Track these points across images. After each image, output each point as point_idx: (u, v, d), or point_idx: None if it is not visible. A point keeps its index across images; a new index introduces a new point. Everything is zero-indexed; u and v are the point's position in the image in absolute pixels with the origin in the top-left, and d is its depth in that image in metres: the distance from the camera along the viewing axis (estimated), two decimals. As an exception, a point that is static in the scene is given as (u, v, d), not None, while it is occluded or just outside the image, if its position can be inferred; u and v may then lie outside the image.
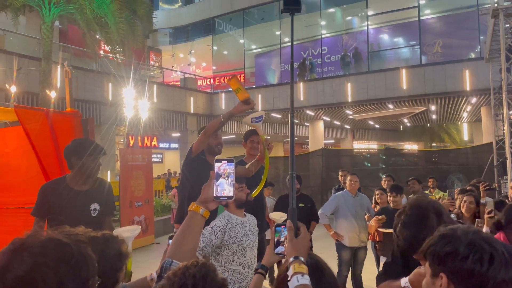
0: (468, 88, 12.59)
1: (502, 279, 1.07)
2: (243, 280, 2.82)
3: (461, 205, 3.82)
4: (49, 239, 1.00)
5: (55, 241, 1.00)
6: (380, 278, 1.94)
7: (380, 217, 4.56)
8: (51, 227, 2.59)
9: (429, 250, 1.18)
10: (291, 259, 1.28)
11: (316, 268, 1.30)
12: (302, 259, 1.27)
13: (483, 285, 1.07)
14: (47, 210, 2.74)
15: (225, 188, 1.49)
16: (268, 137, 3.65)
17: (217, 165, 1.51)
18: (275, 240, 1.52)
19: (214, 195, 1.49)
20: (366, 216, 5.14)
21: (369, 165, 14.25)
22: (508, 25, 7.84)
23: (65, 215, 2.65)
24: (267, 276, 1.82)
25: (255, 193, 3.22)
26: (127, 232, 2.57)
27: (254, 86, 18.83)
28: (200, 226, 1.51)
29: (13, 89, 5.48)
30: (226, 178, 1.50)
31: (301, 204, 5.30)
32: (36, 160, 3.53)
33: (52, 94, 6.33)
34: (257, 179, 3.28)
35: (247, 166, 3.56)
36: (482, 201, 4.26)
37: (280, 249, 1.53)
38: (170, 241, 1.72)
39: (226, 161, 1.51)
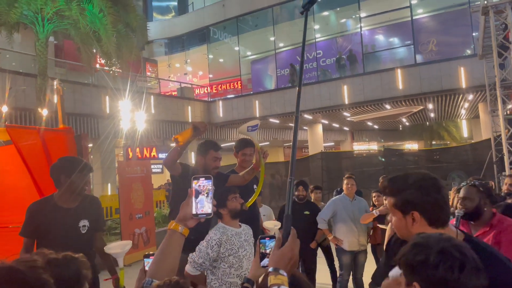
0: (464, 85, 12.61)
1: (473, 286, 1.08)
2: None
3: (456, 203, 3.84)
4: (1, 268, 1.00)
5: (7, 269, 1.00)
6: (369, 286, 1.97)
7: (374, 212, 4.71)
8: (41, 247, 2.60)
9: (402, 259, 1.17)
10: (269, 270, 1.26)
11: (293, 284, 1.29)
12: (281, 270, 1.24)
13: None
14: (35, 230, 2.74)
15: (204, 205, 1.49)
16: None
17: (195, 182, 1.51)
18: (260, 252, 1.50)
19: (193, 212, 1.49)
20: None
21: (368, 168, 14.22)
22: (498, 22, 7.87)
23: (54, 234, 2.66)
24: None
25: (250, 202, 3.22)
26: (117, 248, 2.57)
27: (251, 93, 18.87)
28: (180, 244, 1.50)
29: (4, 109, 5.50)
30: (206, 194, 1.50)
31: (306, 212, 5.25)
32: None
33: (44, 112, 6.35)
34: (250, 188, 3.28)
35: (241, 173, 3.55)
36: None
37: (266, 261, 1.50)
38: (146, 259, 1.71)
39: (204, 178, 1.51)
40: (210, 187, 1.51)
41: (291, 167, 1.45)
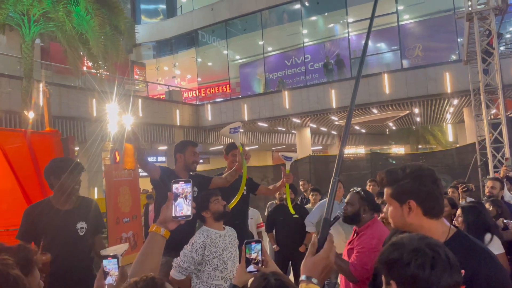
0: (449, 90, 12.82)
1: (446, 283, 1.10)
2: None
3: None
4: None
5: None
6: None
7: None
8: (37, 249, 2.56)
9: (380, 259, 1.20)
10: (301, 278, 1.23)
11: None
12: (313, 279, 1.21)
13: None
14: (33, 234, 2.69)
15: (183, 207, 1.52)
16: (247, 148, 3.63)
17: (174, 186, 1.54)
18: (246, 257, 1.48)
19: (173, 215, 1.52)
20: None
21: (355, 172, 14.33)
22: (483, 28, 8.03)
23: (52, 236, 2.62)
24: None
25: (232, 204, 3.22)
26: (111, 252, 2.55)
27: (240, 96, 18.89)
28: (161, 247, 1.52)
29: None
30: (184, 197, 1.53)
31: (295, 216, 5.28)
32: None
33: (30, 115, 6.28)
34: (236, 189, 3.28)
35: (224, 175, 3.57)
36: (462, 202, 4.32)
37: (251, 267, 1.48)
38: (104, 260, 1.71)
39: (183, 182, 1.55)
40: (189, 190, 1.54)
41: (337, 165, 1.41)
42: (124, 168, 2.95)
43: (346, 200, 2.95)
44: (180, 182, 1.54)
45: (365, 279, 2.55)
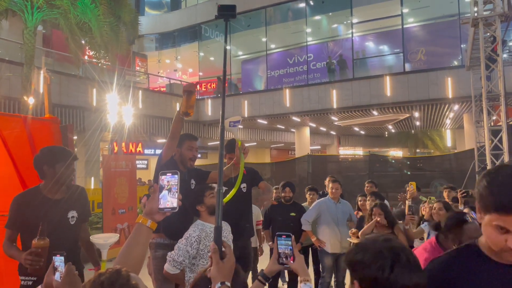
0: (450, 95, 12.81)
1: (404, 285, 1.16)
2: None
3: (432, 212, 3.93)
4: None
5: None
6: None
7: (354, 230, 4.69)
8: (28, 239, 2.54)
9: (345, 258, 1.29)
10: (217, 285, 1.28)
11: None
12: (228, 284, 1.28)
13: None
14: (22, 222, 2.65)
15: (168, 200, 1.52)
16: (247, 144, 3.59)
17: (161, 177, 1.55)
18: (280, 252, 1.54)
19: (159, 207, 1.52)
20: (349, 223, 5.18)
21: (353, 173, 14.34)
22: (488, 34, 8.01)
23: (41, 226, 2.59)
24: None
25: (227, 198, 3.21)
26: (100, 239, 2.54)
27: (240, 92, 18.85)
28: (147, 238, 1.53)
29: (-11, 95, 5.40)
30: (169, 190, 1.52)
31: (292, 214, 5.27)
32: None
33: (30, 100, 6.24)
34: (233, 185, 3.25)
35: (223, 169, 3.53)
36: (461, 207, 4.31)
37: (282, 260, 1.55)
38: (54, 257, 1.74)
39: (170, 174, 1.55)
40: (175, 183, 1.53)
41: (220, 176, 1.51)
42: (181, 112, 2.82)
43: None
44: (167, 174, 1.55)
45: None
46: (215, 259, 1.33)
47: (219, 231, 1.37)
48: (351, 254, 1.27)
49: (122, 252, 1.48)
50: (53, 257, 1.72)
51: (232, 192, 3.02)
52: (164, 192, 1.53)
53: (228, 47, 19.87)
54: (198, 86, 21.66)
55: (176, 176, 1.54)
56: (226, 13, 1.67)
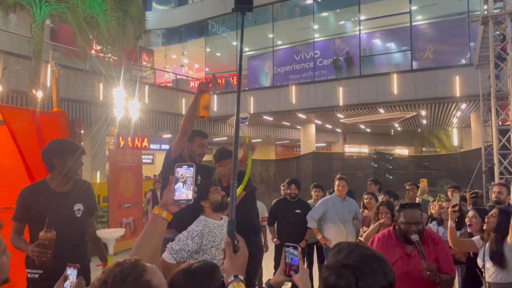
0: (458, 94, 12.71)
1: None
2: None
3: (441, 211, 3.93)
4: None
5: None
6: None
7: (365, 229, 4.68)
8: (35, 231, 2.56)
9: (320, 278, 1.32)
10: (230, 278, 1.29)
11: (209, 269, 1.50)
12: (241, 277, 1.29)
13: None
14: (29, 215, 2.68)
15: (182, 191, 1.53)
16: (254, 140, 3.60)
17: (177, 169, 1.55)
18: (286, 262, 1.52)
19: (175, 199, 1.53)
20: (355, 221, 5.17)
21: (358, 171, 14.30)
22: (498, 32, 7.93)
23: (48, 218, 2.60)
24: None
25: (237, 192, 3.20)
26: (106, 234, 2.55)
27: (246, 89, 18.83)
28: (162, 229, 1.54)
29: (-1, 88, 5.44)
30: (184, 182, 1.53)
31: (297, 211, 5.28)
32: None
33: (39, 94, 6.26)
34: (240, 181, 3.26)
35: (228, 166, 3.55)
36: (469, 208, 4.29)
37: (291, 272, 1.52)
38: (67, 268, 1.75)
39: (186, 166, 1.56)
40: (190, 175, 1.54)
41: (234, 171, 1.50)
42: (198, 116, 2.88)
43: (407, 220, 2.73)
44: (183, 166, 1.55)
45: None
46: (228, 253, 1.34)
47: (233, 224, 1.37)
48: (322, 278, 1.30)
49: (138, 243, 1.50)
50: (67, 267, 1.73)
51: (241, 188, 3.03)
52: (179, 184, 1.53)
53: (237, 43, 19.87)
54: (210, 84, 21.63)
55: (191, 168, 1.54)
56: (243, 6, 1.66)
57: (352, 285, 1.21)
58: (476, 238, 3.33)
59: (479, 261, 3.28)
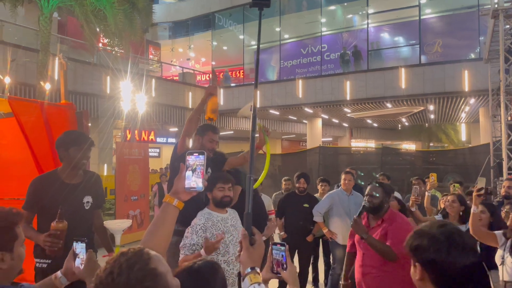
0: (466, 88, 12.59)
1: (462, 264, 1.27)
2: (228, 278, 2.73)
3: (445, 204, 3.90)
4: None
5: None
6: None
7: None
8: (44, 221, 2.58)
9: (406, 244, 1.40)
10: (247, 270, 1.30)
11: (212, 267, 1.51)
12: (258, 269, 1.31)
13: (448, 271, 1.28)
14: (39, 205, 2.71)
15: (192, 180, 1.51)
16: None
17: (187, 157, 1.53)
18: (274, 259, 1.50)
19: (185, 186, 1.52)
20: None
21: (365, 166, 14.24)
22: (508, 26, 7.83)
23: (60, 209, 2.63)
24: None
25: (259, 181, 3.21)
26: (114, 225, 2.57)
27: (253, 82, 18.78)
28: (174, 217, 1.53)
29: (7, 80, 5.46)
30: (193, 170, 1.51)
31: (306, 205, 5.27)
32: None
33: (47, 86, 6.30)
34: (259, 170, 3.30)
35: (242, 154, 3.53)
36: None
37: (275, 269, 1.50)
38: (75, 243, 1.75)
39: (197, 153, 1.53)
40: (200, 163, 1.52)
41: (251, 165, 1.50)
42: (207, 118, 2.94)
43: (369, 192, 3.14)
44: (194, 154, 1.53)
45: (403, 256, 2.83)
46: (245, 245, 1.36)
47: (249, 218, 1.38)
48: (410, 240, 1.38)
49: (149, 231, 1.50)
50: (74, 243, 1.73)
51: (262, 177, 3.03)
52: (188, 172, 1.52)
53: (245, 37, 19.83)
54: (210, 75, 21.64)
55: (202, 156, 1.52)
56: (261, 1, 1.67)
57: (443, 253, 1.28)
58: (499, 232, 3.24)
59: (498, 258, 3.18)
